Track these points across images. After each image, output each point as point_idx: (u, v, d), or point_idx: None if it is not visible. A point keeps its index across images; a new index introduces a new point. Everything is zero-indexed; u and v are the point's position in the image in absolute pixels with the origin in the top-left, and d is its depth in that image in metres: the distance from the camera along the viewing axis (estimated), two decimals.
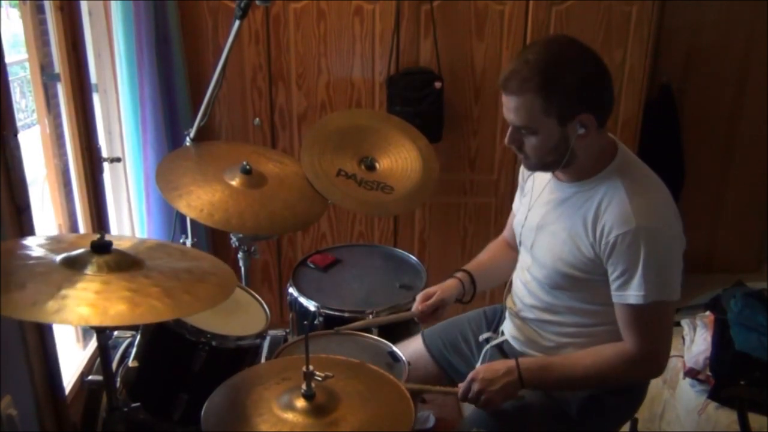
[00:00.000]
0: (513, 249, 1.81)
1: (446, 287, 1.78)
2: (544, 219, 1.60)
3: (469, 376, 1.55)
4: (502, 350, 1.74)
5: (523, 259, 1.70)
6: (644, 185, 1.48)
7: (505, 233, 1.89)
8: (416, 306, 1.77)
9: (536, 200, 1.63)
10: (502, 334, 1.77)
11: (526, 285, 1.68)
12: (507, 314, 1.76)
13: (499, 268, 1.85)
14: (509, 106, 1.44)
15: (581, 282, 1.52)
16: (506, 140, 1.50)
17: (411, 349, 1.83)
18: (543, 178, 1.64)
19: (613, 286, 1.46)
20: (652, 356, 1.49)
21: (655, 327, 1.46)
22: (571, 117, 1.41)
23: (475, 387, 1.52)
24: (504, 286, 1.81)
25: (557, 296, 1.59)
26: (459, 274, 1.80)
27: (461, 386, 1.55)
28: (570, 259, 1.51)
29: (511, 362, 1.55)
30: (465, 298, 1.81)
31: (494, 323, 1.85)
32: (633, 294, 1.42)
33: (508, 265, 1.79)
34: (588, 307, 1.55)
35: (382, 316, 1.85)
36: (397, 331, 1.88)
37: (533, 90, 1.39)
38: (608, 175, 1.49)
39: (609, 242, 1.43)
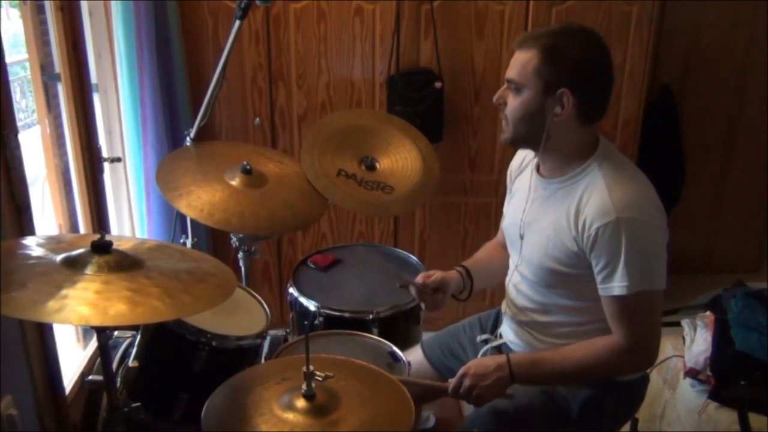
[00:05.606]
0: (506, 250, 1.81)
1: (446, 273, 1.78)
2: (530, 217, 1.61)
3: (461, 371, 1.54)
4: (500, 352, 1.74)
5: (513, 259, 1.71)
6: (624, 177, 1.48)
7: (499, 236, 1.89)
8: (418, 279, 1.76)
9: (523, 200, 1.64)
10: (500, 336, 1.77)
11: (516, 286, 1.68)
12: (504, 319, 1.76)
13: (494, 267, 1.85)
14: (513, 62, 1.50)
15: (568, 278, 1.52)
16: (494, 97, 1.55)
17: (410, 358, 1.83)
18: (529, 177, 1.65)
19: (598, 279, 1.46)
20: (641, 347, 1.49)
21: (641, 318, 1.47)
22: (555, 87, 1.44)
23: (467, 382, 1.52)
24: (501, 287, 1.81)
25: (546, 295, 1.59)
26: (457, 269, 1.81)
27: (452, 381, 1.55)
28: (556, 255, 1.52)
29: (502, 358, 1.55)
30: (462, 295, 1.80)
31: (489, 327, 1.85)
32: (617, 285, 1.43)
33: (504, 264, 1.79)
34: (578, 304, 1.56)
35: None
36: (397, 332, 1.88)
37: (538, 47, 1.45)
38: (589, 169, 1.50)
39: (590, 235, 1.44)
